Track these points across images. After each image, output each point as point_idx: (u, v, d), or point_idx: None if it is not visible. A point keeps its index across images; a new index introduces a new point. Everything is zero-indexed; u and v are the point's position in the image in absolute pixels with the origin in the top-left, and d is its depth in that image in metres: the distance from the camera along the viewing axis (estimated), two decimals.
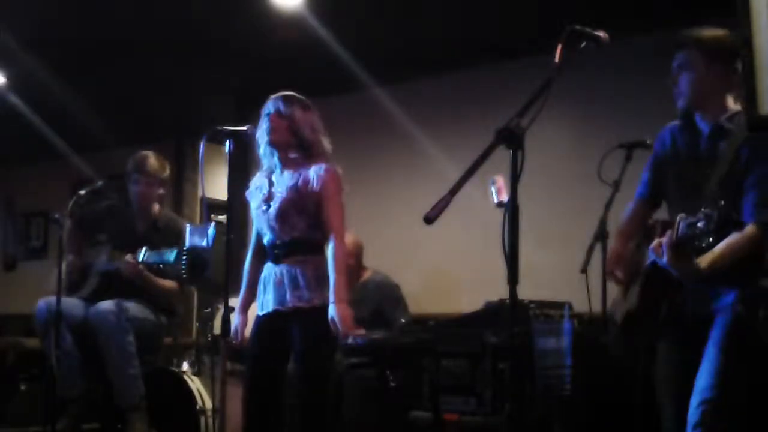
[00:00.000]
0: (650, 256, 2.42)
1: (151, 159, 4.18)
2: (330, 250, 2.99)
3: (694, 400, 2.30)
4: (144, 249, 3.78)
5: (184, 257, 3.72)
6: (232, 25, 5.01)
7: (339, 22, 4.85)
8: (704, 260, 2.24)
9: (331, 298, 2.94)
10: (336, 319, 2.91)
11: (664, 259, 2.23)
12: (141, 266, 3.84)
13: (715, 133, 2.45)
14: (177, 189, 7.42)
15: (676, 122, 2.61)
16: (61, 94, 5.80)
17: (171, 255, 3.65)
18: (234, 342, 3.17)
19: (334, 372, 3.92)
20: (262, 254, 3.17)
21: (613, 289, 3.13)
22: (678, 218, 2.18)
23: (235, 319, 3.18)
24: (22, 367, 5.36)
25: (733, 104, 2.49)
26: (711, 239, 2.07)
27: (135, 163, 4.17)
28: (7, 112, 6.23)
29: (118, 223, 4.16)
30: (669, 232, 2.22)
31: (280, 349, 3.05)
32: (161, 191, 4.22)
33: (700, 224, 2.07)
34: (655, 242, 2.26)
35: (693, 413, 2.29)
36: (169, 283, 4.07)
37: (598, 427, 3.82)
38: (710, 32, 2.51)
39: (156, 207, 4.22)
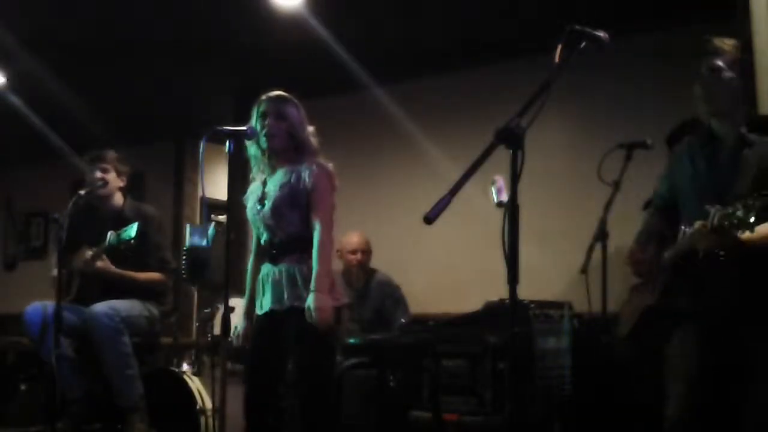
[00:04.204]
0: (672, 253, 2.47)
1: (108, 151, 4.24)
2: (315, 238, 2.97)
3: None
4: (109, 234, 3.77)
5: (184, 257, 3.72)
6: (232, 25, 5.02)
7: (339, 22, 4.85)
8: (746, 235, 2.23)
9: (312, 286, 2.90)
10: (312, 309, 2.87)
11: (703, 245, 2.28)
12: (94, 260, 3.85)
13: (739, 145, 2.50)
14: (177, 189, 7.43)
15: (690, 138, 2.67)
16: (61, 94, 5.80)
17: (131, 230, 3.64)
18: (236, 344, 3.17)
19: (334, 371, 3.92)
20: (262, 256, 3.18)
21: (614, 290, 3.14)
22: (713, 210, 2.21)
23: (239, 323, 3.18)
24: (22, 367, 5.36)
25: None
26: (752, 229, 2.10)
27: (89, 157, 4.24)
28: (7, 112, 6.23)
29: (88, 222, 4.15)
30: (700, 222, 2.26)
31: (278, 348, 3.04)
32: (120, 182, 4.22)
33: (739, 213, 2.09)
34: (697, 227, 2.29)
35: None
36: (149, 275, 4.06)
37: (598, 427, 3.82)
38: (736, 42, 2.57)
39: (119, 198, 4.23)
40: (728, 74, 2.49)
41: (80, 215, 4.09)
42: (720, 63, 2.50)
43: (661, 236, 2.67)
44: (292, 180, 3.05)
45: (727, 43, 2.53)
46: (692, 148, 2.65)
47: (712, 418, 2.41)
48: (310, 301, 2.88)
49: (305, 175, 3.04)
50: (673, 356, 2.54)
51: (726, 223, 2.15)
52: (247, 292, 3.21)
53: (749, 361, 2.38)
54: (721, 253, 2.30)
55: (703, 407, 2.42)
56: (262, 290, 3.10)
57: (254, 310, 3.15)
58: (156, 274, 4.09)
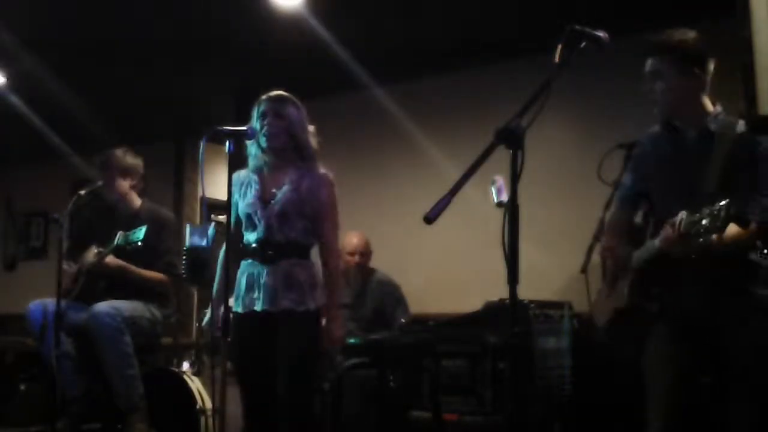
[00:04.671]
0: (642, 254, 2.46)
1: (112, 153, 4.23)
2: (327, 268, 3.08)
3: None
4: (118, 234, 3.79)
5: (184, 257, 3.71)
6: (232, 25, 5.02)
7: (339, 22, 4.85)
8: (714, 240, 2.23)
9: (330, 315, 3.04)
10: (332, 339, 3.05)
11: (673, 249, 2.28)
12: (108, 257, 3.87)
13: (703, 136, 2.47)
14: (177, 189, 7.43)
15: (655, 128, 2.64)
16: (61, 94, 5.80)
17: (139, 233, 3.68)
18: (216, 334, 3.08)
19: (333, 372, 3.93)
20: (240, 250, 3.13)
21: None
22: (679, 216, 2.21)
23: (213, 312, 3.08)
24: (22, 367, 5.36)
25: (710, 105, 2.52)
26: (715, 236, 2.10)
27: (97, 164, 4.24)
28: (7, 112, 6.23)
29: (104, 223, 4.15)
30: (669, 228, 2.26)
31: (273, 348, 3.02)
32: (131, 181, 4.22)
33: (705, 221, 2.09)
34: (666, 234, 2.29)
35: None
36: (154, 274, 4.07)
37: (598, 427, 3.82)
38: (678, 37, 2.50)
39: (136, 200, 4.24)
40: (666, 81, 2.47)
41: (97, 213, 4.11)
42: (657, 67, 2.49)
43: (630, 232, 2.67)
44: (302, 187, 3.06)
45: (666, 42, 2.49)
46: (656, 141, 2.63)
47: (696, 420, 2.41)
48: (328, 334, 3.04)
49: (317, 186, 3.08)
50: (649, 361, 2.53)
51: (693, 230, 2.15)
52: (220, 280, 3.11)
53: (728, 360, 2.37)
54: (693, 256, 2.30)
55: (686, 411, 2.42)
56: (248, 288, 3.06)
57: (224, 304, 3.00)
58: (161, 275, 4.09)
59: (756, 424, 2.31)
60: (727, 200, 2.07)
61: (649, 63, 2.54)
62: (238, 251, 3.15)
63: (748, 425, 2.32)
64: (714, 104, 2.52)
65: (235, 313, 3.06)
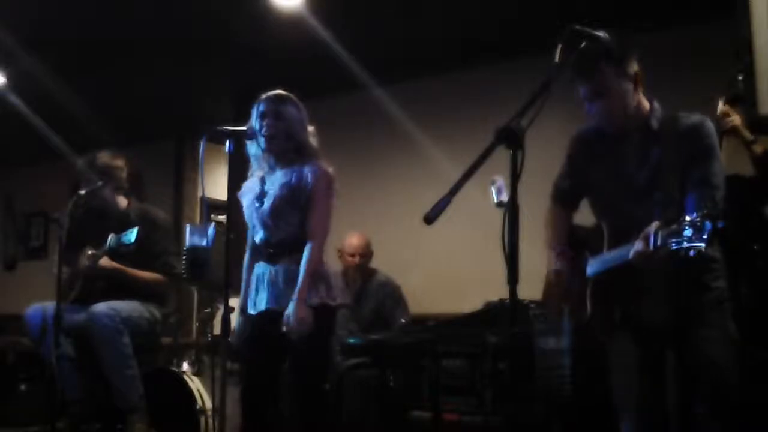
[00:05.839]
0: (595, 265, 2.45)
1: (93, 155, 4.18)
2: (306, 251, 2.97)
3: None
4: (109, 236, 3.78)
5: (184, 257, 3.72)
6: (232, 25, 5.02)
7: (339, 22, 4.85)
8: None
9: (294, 296, 2.91)
10: (291, 317, 2.88)
11: (648, 265, 2.19)
12: (102, 259, 3.86)
13: (647, 137, 2.43)
14: (177, 189, 7.43)
15: (587, 127, 2.59)
16: (61, 94, 5.80)
17: (131, 235, 3.66)
18: (234, 342, 3.17)
19: (333, 371, 3.93)
20: (257, 255, 3.17)
21: None
22: (653, 228, 2.13)
23: (236, 320, 3.18)
24: (22, 367, 5.36)
25: (647, 102, 2.47)
26: (704, 247, 1.98)
27: (84, 163, 4.20)
28: (7, 112, 6.23)
29: (95, 224, 4.14)
30: (643, 242, 2.16)
31: (275, 348, 3.03)
32: (114, 182, 4.16)
33: (687, 232, 1.99)
34: (641, 248, 2.18)
35: None
36: (151, 274, 4.06)
37: (598, 427, 3.82)
38: (607, 41, 2.36)
39: (122, 201, 4.22)
40: (613, 94, 2.40)
41: (87, 215, 4.10)
42: (600, 84, 2.40)
43: (572, 234, 2.64)
44: (293, 180, 3.05)
45: (603, 47, 2.35)
46: (595, 143, 2.58)
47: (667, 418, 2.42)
48: (290, 309, 2.90)
49: (306, 176, 3.04)
50: (616, 368, 2.51)
51: (671, 241, 2.04)
52: (244, 287, 3.20)
53: (693, 359, 2.37)
54: (671, 269, 2.23)
55: (657, 410, 2.41)
56: (256, 289, 3.09)
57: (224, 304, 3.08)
58: (158, 275, 4.09)
59: (724, 419, 2.32)
60: (708, 209, 2.02)
61: (590, 83, 2.43)
62: (254, 254, 3.21)
63: (718, 422, 2.32)
64: (650, 101, 2.47)
65: (249, 314, 3.12)
